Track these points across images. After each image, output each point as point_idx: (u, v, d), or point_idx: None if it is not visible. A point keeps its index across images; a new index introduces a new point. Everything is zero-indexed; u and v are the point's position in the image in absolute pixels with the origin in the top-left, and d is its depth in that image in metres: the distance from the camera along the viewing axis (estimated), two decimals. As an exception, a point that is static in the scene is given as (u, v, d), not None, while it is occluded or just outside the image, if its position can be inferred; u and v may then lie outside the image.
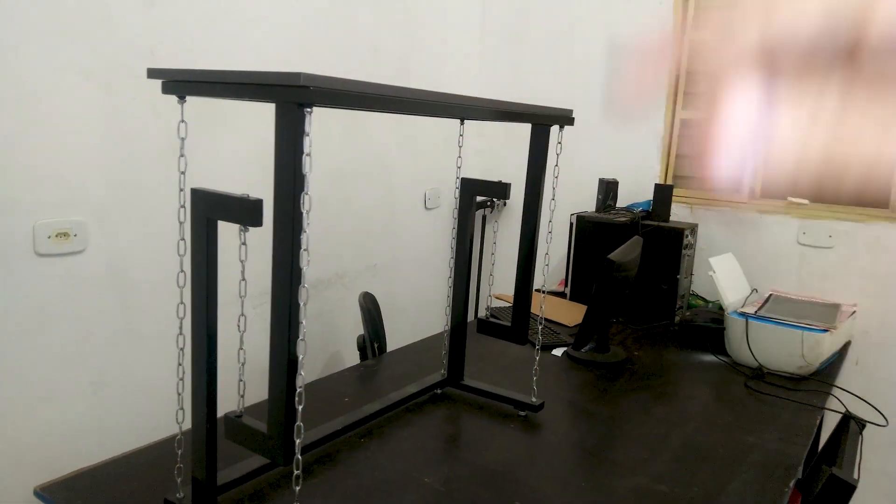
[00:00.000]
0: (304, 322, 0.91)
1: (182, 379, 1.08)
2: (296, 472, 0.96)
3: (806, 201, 2.59)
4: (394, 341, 2.35)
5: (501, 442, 1.49)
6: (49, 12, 1.61)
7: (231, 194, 0.97)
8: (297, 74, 0.82)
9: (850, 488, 1.49)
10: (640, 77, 2.78)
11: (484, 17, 3.13)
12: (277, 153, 0.89)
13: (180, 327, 1.06)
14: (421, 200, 2.94)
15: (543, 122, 1.47)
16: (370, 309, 2.15)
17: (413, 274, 2.94)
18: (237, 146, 2.07)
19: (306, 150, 0.86)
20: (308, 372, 2.40)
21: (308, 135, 0.86)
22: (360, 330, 2.23)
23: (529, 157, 1.53)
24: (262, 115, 2.11)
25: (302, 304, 0.91)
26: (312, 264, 2.43)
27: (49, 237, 1.66)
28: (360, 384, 1.77)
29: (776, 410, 1.75)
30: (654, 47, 2.73)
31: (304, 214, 0.88)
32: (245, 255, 0.99)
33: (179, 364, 1.07)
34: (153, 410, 1.96)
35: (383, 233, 2.74)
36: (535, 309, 2.49)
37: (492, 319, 1.67)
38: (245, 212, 0.95)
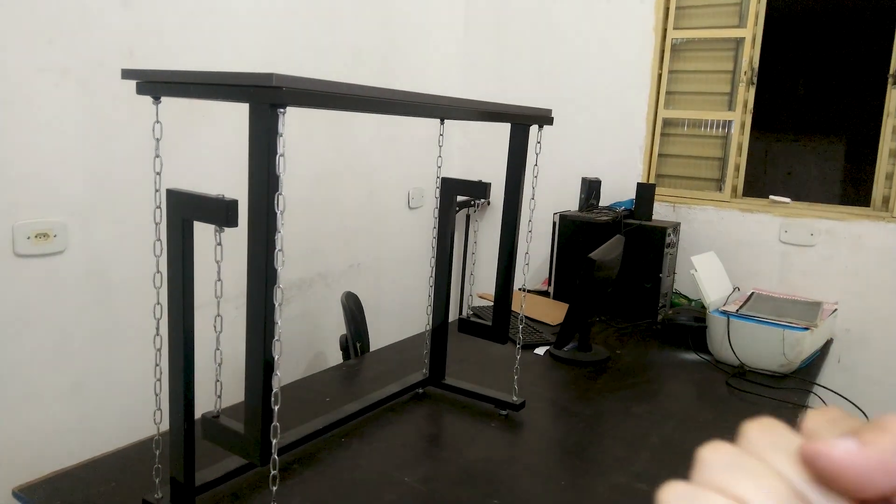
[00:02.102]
0: (279, 322, 0.91)
1: (160, 379, 1.08)
2: (273, 473, 0.96)
3: (787, 200, 2.62)
4: (377, 341, 2.34)
5: (482, 441, 1.49)
6: (26, 11, 1.60)
7: (206, 195, 0.96)
8: (270, 75, 0.82)
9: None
10: (623, 76, 2.79)
11: (467, 17, 3.13)
12: (252, 154, 0.89)
13: (157, 328, 1.05)
14: (404, 200, 2.94)
15: (522, 122, 1.48)
16: (352, 308, 2.15)
17: (397, 274, 2.95)
18: (216, 147, 2.07)
19: (280, 150, 0.86)
20: (291, 372, 2.39)
21: (281, 135, 0.86)
22: (344, 330, 2.23)
23: (509, 157, 1.54)
24: (242, 115, 2.11)
25: (277, 304, 0.91)
26: (295, 264, 2.42)
27: (28, 238, 1.65)
28: (341, 384, 1.77)
29: (757, 409, 1.76)
30: (636, 46, 2.74)
31: (279, 215, 0.88)
32: (221, 255, 0.99)
33: (157, 365, 1.07)
34: (133, 410, 1.95)
35: (367, 232, 2.74)
36: (516, 307, 2.50)
37: (473, 319, 1.67)
38: (220, 212, 0.95)
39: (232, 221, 0.94)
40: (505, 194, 1.57)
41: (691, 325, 2.26)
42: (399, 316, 2.98)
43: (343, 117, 2.52)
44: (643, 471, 1.40)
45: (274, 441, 0.95)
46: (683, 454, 1.48)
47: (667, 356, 2.15)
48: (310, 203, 2.44)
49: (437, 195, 1.61)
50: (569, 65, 2.92)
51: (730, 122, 2.65)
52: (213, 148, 2.05)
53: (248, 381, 0.95)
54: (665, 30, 2.72)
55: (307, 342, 2.51)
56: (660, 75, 2.74)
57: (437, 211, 1.62)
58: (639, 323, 2.47)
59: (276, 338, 0.91)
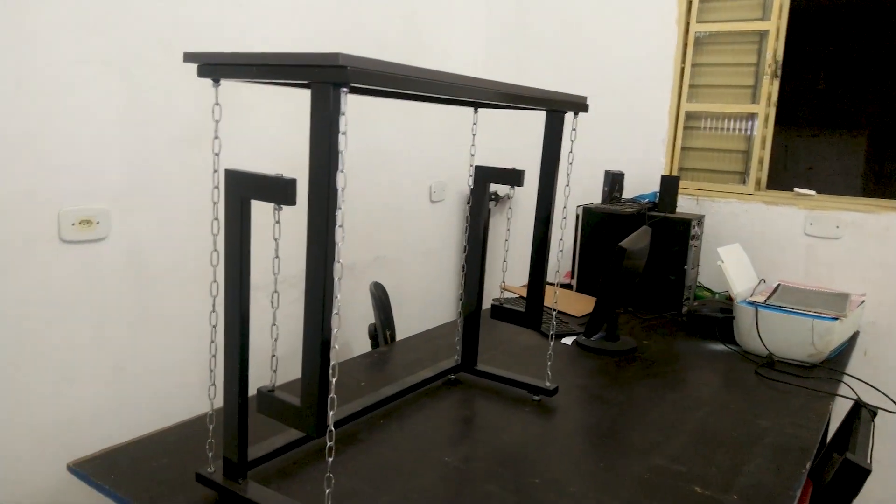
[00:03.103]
0: (338, 297, 0.94)
1: (214, 356, 1.11)
2: (329, 444, 0.99)
3: (813, 192, 2.62)
4: (402, 331, 2.37)
5: (517, 424, 1.52)
6: (71, 5, 1.63)
7: (265, 174, 0.99)
8: (336, 55, 0.85)
9: (865, 473, 1.52)
10: (645, 69, 2.81)
11: (489, 13, 3.15)
12: (313, 133, 0.92)
13: (213, 305, 1.08)
14: (426, 193, 2.96)
15: (558, 109, 1.50)
16: (381, 297, 2.18)
17: (419, 265, 2.97)
18: (260, 131, 2.11)
19: (342, 129, 0.89)
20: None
21: (344, 114, 0.89)
22: (369, 320, 2.26)
23: (544, 145, 1.56)
24: (285, 101, 2.15)
25: (336, 279, 0.94)
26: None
27: (73, 224, 1.69)
28: (374, 370, 1.80)
29: (788, 397, 1.77)
30: (658, 39, 2.76)
31: (340, 192, 0.91)
32: (279, 233, 1.02)
33: (212, 341, 1.10)
34: (170, 393, 1.99)
35: (390, 225, 2.77)
36: (548, 297, 2.52)
37: (506, 306, 1.69)
38: (279, 191, 0.98)
39: (291, 200, 0.97)
40: (539, 183, 1.59)
41: (717, 317, 2.28)
42: (422, 307, 3.01)
43: (365, 111, 2.55)
44: (679, 454, 1.42)
45: (331, 413, 0.98)
46: (719, 438, 1.50)
47: (693, 347, 2.17)
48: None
49: (471, 184, 1.63)
50: (591, 58, 2.94)
51: (754, 115, 2.66)
52: (254, 133, 2.09)
53: (306, 353, 0.98)
54: (688, 23, 2.73)
55: (335, 331, 2.54)
56: (682, 68, 2.76)
57: (467, 204, 1.65)
58: (664, 315, 2.48)
59: (336, 311, 0.94)
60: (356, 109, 2.50)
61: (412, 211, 2.89)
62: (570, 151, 1.51)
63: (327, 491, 1.00)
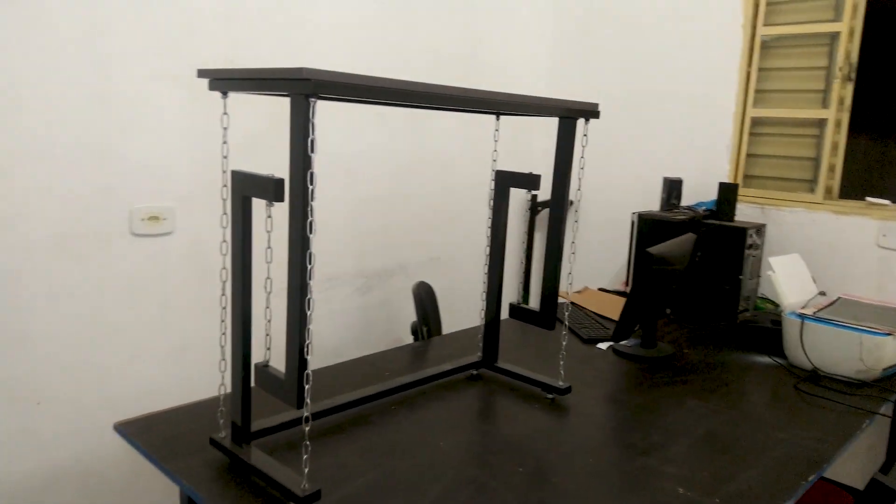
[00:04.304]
0: (311, 282, 1.06)
1: (224, 334, 1.26)
2: (305, 414, 1.11)
3: (887, 202, 2.48)
4: (453, 330, 2.47)
5: (523, 419, 1.58)
6: (146, 26, 1.87)
7: (260, 174, 1.13)
8: (301, 69, 0.97)
9: (893, 494, 1.46)
10: (709, 74, 2.76)
11: (555, 18, 3.20)
12: (292, 138, 1.05)
13: (223, 289, 1.24)
14: (483, 197, 3.05)
15: (569, 116, 1.55)
16: (422, 296, 2.29)
17: (473, 267, 3.06)
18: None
19: (310, 135, 1.01)
20: (366, 352, 2.58)
21: (312, 121, 1.01)
22: (421, 317, 2.38)
23: (557, 151, 1.61)
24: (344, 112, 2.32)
25: (309, 266, 1.06)
26: (375, 255, 2.60)
27: (143, 220, 1.93)
28: (402, 362, 1.91)
29: (822, 413, 1.71)
30: (723, 44, 2.70)
31: (310, 190, 1.03)
32: (271, 226, 1.15)
33: (222, 321, 1.26)
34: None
35: (444, 227, 2.88)
36: (584, 303, 2.54)
37: (523, 305, 1.76)
38: (269, 189, 1.11)
39: (280, 197, 1.10)
40: (552, 187, 1.64)
41: (767, 328, 2.21)
42: (474, 307, 3.10)
43: (421, 118, 2.68)
44: (675, 456, 1.42)
45: (307, 386, 1.10)
46: (726, 445, 1.49)
47: (737, 358, 2.12)
48: (389, 198, 2.62)
49: (492, 187, 1.71)
50: (654, 63, 2.92)
51: (824, 120, 2.55)
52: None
53: (289, 333, 1.11)
54: (754, 26, 2.66)
55: (385, 328, 2.69)
56: (748, 73, 2.68)
57: (491, 202, 1.73)
58: (716, 324, 2.43)
59: (309, 295, 1.06)
60: (412, 114, 2.63)
61: (467, 214, 2.99)
62: (582, 157, 1.56)
63: (304, 457, 1.12)
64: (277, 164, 2.22)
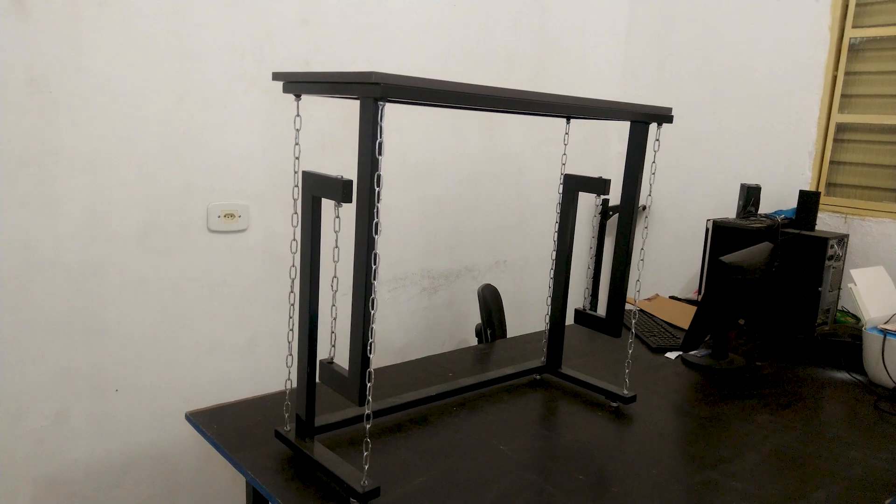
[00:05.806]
0: (375, 283, 1.08)
1: (292, 329, 1.30)
2: (367, 412, 1.13)
3: None
4: (519, 333, 2.47)
5: (585, 426, 1.56)
6: (226, 31, 1.95)
7: (330, 175, 1.16)
8: (370, 73, 0.99)
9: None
10: (792, 78, 2.65)
11: (630, 22, 3.14)
12: (361, 140, 1.07)
13: (291, 286, 1.28)
14: (554, 202, 3.02)
15: (641, 120, 1.52)
16: (487, 299, 2.29)
17: (541, 271, 3.04)
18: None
19: (379, 137, 1.03)
20: (431, 353, 2.60)
21: (380, 124, 1.03)
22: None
23: (628, 155, 1.58)
24: (407, 115, 2.36)
25: (374, 267, 1.08)
26: (443, 256, 2.62)
27: (219, 217, 2.01)
28: (466, 363, 1.92)
29: (901, 432, 1.62)
30: (808, 47, 2.59)
31: (377, 192, 1.05)
32: (339, 226, 1.18)
33: (290, 317, 1.30)
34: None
35: (513, 231, 2.87)
36: (653, 310, 2.48)
37: (589, 311, 1.73)
38: (338, 189, 1.14)
39: (348, 198, 1.13)
40: (622, 192, 1.62)
41: (846, 342, 2.10)
42: (540, 312, 3.07)
43: (493, 122, 2.68)
44: (742, 471, 1.38)
45: (369, 384, 1.12)
46: (797, 462, 1.43)
47: (812, 373, 2.02)
48: (459, 201, 2.63)
49: (560, 191, 1.70)
50: (733, 67, 2.82)
51: (917, 126, 2.41)
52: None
53: (353, 332, 1.13)
54: (842, 29, 2.53)
55: (451, 329, 2.70)
56: (834, 77, 2.56)
57: (559, 206, 1.71)
58: (792, 337, 2.33)
59: (373, 295, 1.08)
60: (484, 118, 2.64)
61: (537, 218, 2.97)
62: (654, 162, 1.53)
63: (365, 454, 1.14)
64: (349, 165, 2.27)
